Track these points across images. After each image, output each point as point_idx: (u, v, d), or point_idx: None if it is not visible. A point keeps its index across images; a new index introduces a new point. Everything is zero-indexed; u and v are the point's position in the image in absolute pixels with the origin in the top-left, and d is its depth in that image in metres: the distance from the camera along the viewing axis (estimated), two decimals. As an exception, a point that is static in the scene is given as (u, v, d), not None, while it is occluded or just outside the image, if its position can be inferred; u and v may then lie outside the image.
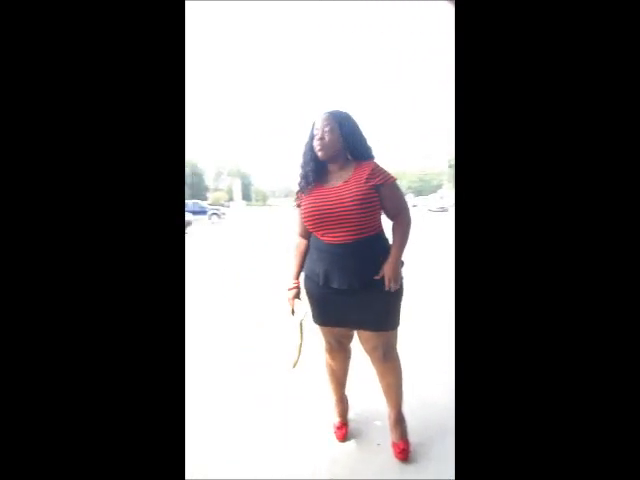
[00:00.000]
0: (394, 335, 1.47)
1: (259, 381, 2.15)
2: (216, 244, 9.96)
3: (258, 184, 75.42)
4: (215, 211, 20.84)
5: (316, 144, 1.40)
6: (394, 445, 1.53)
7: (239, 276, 5.47)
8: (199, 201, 25.06)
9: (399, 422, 1.56)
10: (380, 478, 1.40)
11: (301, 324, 1.46)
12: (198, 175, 65.94)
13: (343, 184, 1.36)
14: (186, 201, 22.83)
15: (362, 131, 1.45)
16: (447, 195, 26.04)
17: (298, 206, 1.47)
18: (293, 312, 1.48)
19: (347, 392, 1.76)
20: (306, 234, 1.50)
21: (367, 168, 1.35)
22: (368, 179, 1.33)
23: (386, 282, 1.34)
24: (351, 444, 1.60)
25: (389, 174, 1.36)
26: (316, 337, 1.62)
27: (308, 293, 1.51)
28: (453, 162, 0.84)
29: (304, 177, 1.46)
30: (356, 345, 1.56)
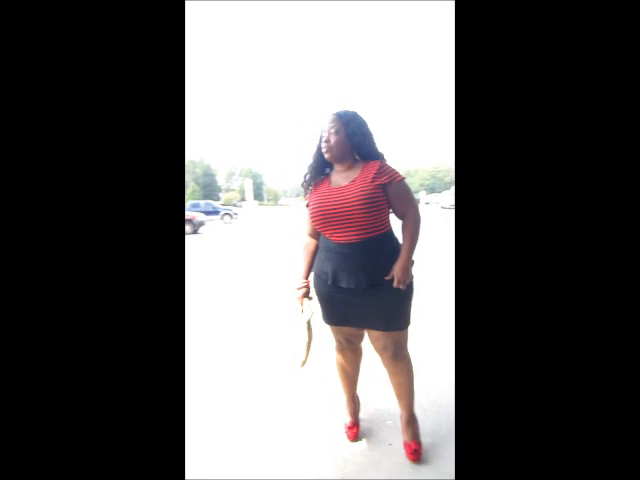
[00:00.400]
0: (404, 335, 1.46)
1: (271, 380, 2.15)
2: (229, 244, 10.03)
3: (270, 184, 75.80)
4: (227, 211, 20.99)
5: (323, 146, 1.41)
6: (406, 445, 1.52)
7: (250, 277, 5.49)
8: (212, 201, 25.30)
9: (411, 422, 1.55)
10: (391, 478, 1.39)
11: (309, 324, 1.47)
12: (211, 176, 66.58)
13: (349, 184, 1.36)
14: (199, 201, 23.06)
15: (370, 130, 1.43)
16: (460, 192, 25.68)
17: (307, 206, 1.48)
18: (303, 311, 1.49)
19: (358, 392, 1.75)
20: (315, 233, 1.50)
21: (374, 167, 1.35)
22: (374, 178, 1.32)
23: (395, 282, 1.33)
24: (362, 444, 1.60)
25: (396, 173, 1.35)
26: (327, 336, 1.62)
27: (317, 292, 1.51)
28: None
29: (306, 177, 1.50)
30: (367, 344, 1.55)
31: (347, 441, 1.61)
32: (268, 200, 65.52)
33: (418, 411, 1.64)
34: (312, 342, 1.51)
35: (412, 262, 1.38)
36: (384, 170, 1.33)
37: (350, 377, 1.67)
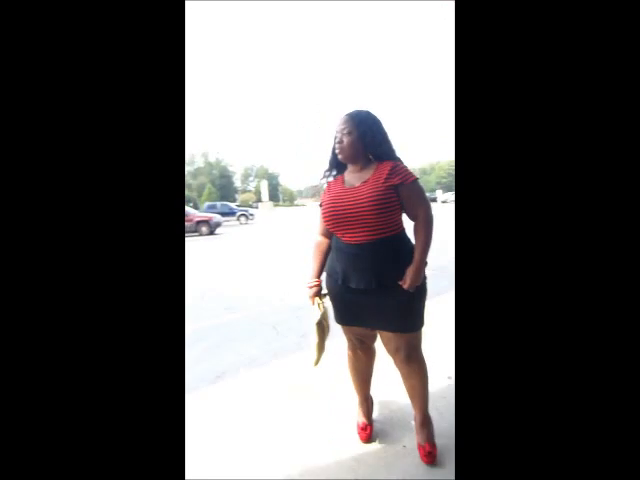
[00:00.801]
0: (417, 336, 1.43)
1: (283, 381, 2.14)
2: (244, 244, 10.11)
3: (285, 184, 76.19)
4: (244, 212, 21.17)
5: (336, 147, 1.42)
6: (420, 447, 1.48)
7: (263, 275, 5.52)
8: (228, 202, 25.59)
9: (425, 424, 1.52)
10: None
11: (318, 325, 1.47)
12: (228, 177, 67.36)
13: (361, 185, 1.35)
14: (215, 203, 23.36)
15: (384, 129, 1.41)
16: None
17: (320, 205, 1.48)
18: (319, 306, 1.49)
19: (372, 392, 1.73)
20: (327, 233, 1.50)
21: (386, 168, 1.33)
22: (386, 179, 1.31)
23: (406, 285, 1.31)
24: (376, 445, 1.57)
25: (409, 173, 1.33)
26: (342, 336, 1.60)
27: (329, 292, 1.51)
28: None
29: (325, 175, 1.52)
30: (380, 344, 1.53)
31: (360, 442, 1.58)
32: (284, 201, 65.86)
33: (434, 413, 1.61)
34: (324, 342, 1.51)
35: (425, 263, 1.35)
36: (397, 171, 1.32)
37: (363, 378, 1.65)
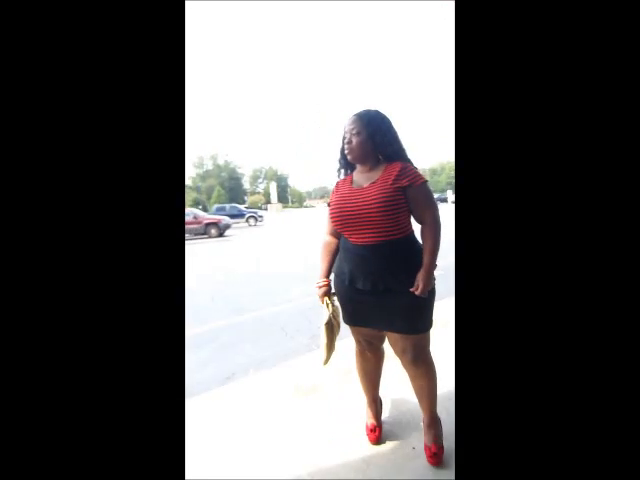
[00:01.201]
0: (424, 338, 1.42)
1: (292, 382, 2.14)
2: (253, 246, 10.14)
3: (294, 186, 76.34)
4: (253, 214, 21.24)
5: (345, 147, 1.41)
6: (426, 448, 1.47)
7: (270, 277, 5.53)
8: (237, 204, 25.72)
9: (432, 425, 1.51)
10: (415, 483, 1.35)
11: (327, 325, 1.48)
12: (236, 179, 67.74)
13: (369, 186, 1.34)
14: (224, 205, 23.50)
15: (393, 129, 1.40)
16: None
17: (328, 205, 1.48)
18: (328, 306, 1.50)
19: (381, 393, 1.72)
20: (336, 233, 1.49)
21: (395, 169, 1.32)
22: (395, 181, 1.30)
23: (419, 291, 1.30)
24: (385, 447, 1.56)
25: (418, 175, 1.31)
26: (351, 336, 1.60)
27: (337, 292, 1.51)
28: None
29: (338, 175, 1.53)
30: (390, 345, 1.52)
31: (369, 444, 1.58)
32: (293, 202, 66.00)
33: (443, 415, 1.59)
34: (333, 342, 1.52)
35: (434, 267, 1.34)
36: (405, 172, 1.31)
37: (371, 379, 1.64)
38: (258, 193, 66.16)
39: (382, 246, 1.32)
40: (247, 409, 1.88)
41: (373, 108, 1.42)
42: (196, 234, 13.68)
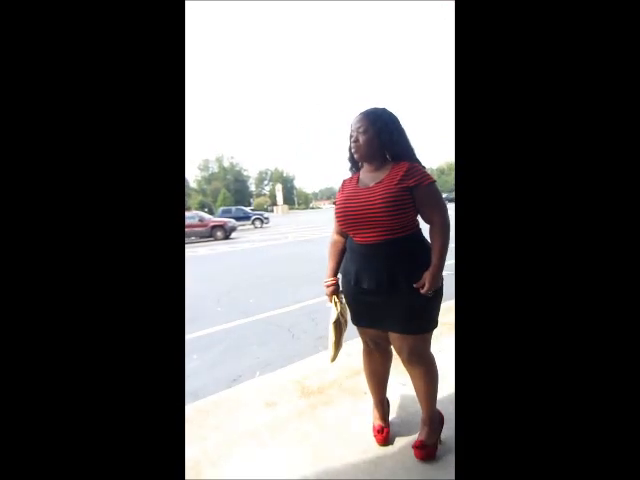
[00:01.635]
0: (422, 339, 1.41)
1: (299, 383, 2.14)
2: (258, 248, 10.17)
3: (301, 187, 76.39)
4: (258, 216, 21.31)
5: (352, 146, 1.40)
6: (415, 442, 1.49)
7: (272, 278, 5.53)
8: (243, 207, 25.80)
9: (427, 423, 1.51)
10: (423, 484, 1.34)
11: (335, 324, 1.50)
12: (242, 182, 67.99)
13: (375, 185, 1.34)
14: (230, 207, 23.59)
15: (401, 127, 1.38)
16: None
17: (334, 204, 1.48)
18: (336, 305, 1.51)
19: (389, 394, 1.71)
20: (343, 232, 1.49)
21: (402, 169, 1.31)
22: (401, 180, 1.29)
23: (424, 289, 1.29)
24: (393, 448, 1.55)
25: (425, 175, 1.30)
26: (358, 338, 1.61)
27: (344, 292, 1.52)
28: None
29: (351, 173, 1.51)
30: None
31: (377, 445, 1.57)
32: (299, 204, 66.03)
33: (446, 414, 1.60)
34: (341, 340, 1.55)
35: (442, 268, 1.33)
36: (412, 172, 1.30)
37: (378, 380, 1.63)
38: (264, 195, 66.33)
39: (386, 245, 1.31)
40: (254, 410, 1.88)
41: (380, 106, 1.40)
42: (202, 237, 13.75)
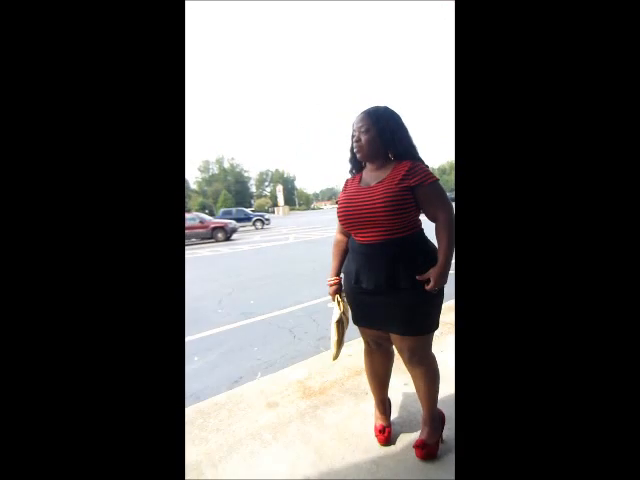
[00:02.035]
0: (422, 340, 1.40)
1: (300, 384, 2.14)
2: (260, 250, 10.17)
3: (302, 188, 76.42)
4: (259, 217, 21.30)
5: (354, 145, 1.39)
6: (416, 441, 1.49)
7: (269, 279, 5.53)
8: (243, 208, 25.80)
9: (427, 422, 1.51)
10: (425, 484, 1.34)
11: (337, 323, 1.51)
12: (243, 183, 68.05)
13: (376, 185, 1.33)
14: (231, 209, 23.59)
15: (404, 125, 1.37)
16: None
17: (336, 203, 1.48)
18: (339, 304, 1.53)
19: (391, 393, 1.71)
20: (346, 232, 1.49)
21: (403, 169, 1.30)
22: (402, 180, 1.28)
23: (429, 286, 1.29)
24: (395, 448, 1.55)
25: (428, 174, 1.29)
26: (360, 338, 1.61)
27: (345, 292, 1.52)
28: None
29: (351, 174, 1.51)
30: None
31: (378, 445, 1.57)
32: (300, 205, 66.03)
33: (447, 414, 1.59)
34: (343, 338, 1.56)
35: (449, 266, 1.33)
36: (414, 171, 1.28)
37: (380, 380, 1.63)
38: (265, 196, 66.42)
39: (385, 245, 1.31)
40: (256, 412, 1.88)
41: (381, 105, 1.39)
42: (203, 238, 13.76)
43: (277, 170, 75.63)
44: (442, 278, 1.29)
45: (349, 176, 1.52)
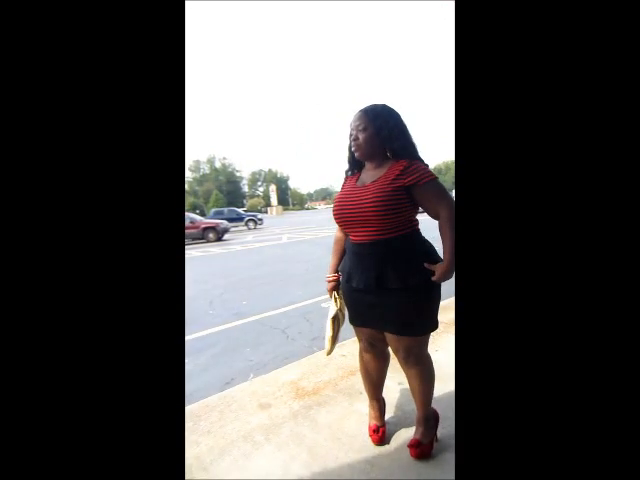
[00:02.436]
0: (418, 340, 1.39)
1: (294, 384, 2.12)
2: (252, 250, 10.13)
3: (295, 188, 76.31)
4: (252, 217, 21.18)
5: (352, 144, 1.38)
6: (410, 441, 1.48)
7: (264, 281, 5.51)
8: (235, 208, 25.65)
9: (421, 422, 1.51)
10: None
11: (333, 319, 1.52)
12: (235, 183, 67.79)
13: (370, 184, 1.31)
14: (222, 209, 23.45)
15: (403, 124, 1.35)
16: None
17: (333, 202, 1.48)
18: (336, 300, 1.54)
19: (385, 393, 1.69)
20: None
21: (397, 168, 1.28)
22: (395, 179, 1.26)
23: (434, 277, 1.29)
24: (389, 447, 1.54)
25: (424, 173, 1.26)
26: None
27: (341, 289, 1.53)
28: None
29: (346, 174, 1.50)
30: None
31: (372, 445, 1.55)
32: (293, 205, 65.89)
33: (449, 413, 1.59)
34: (338, 334, 1.58)
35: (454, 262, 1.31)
36: (409, 171, 1.26)
37: (374, 380, 1.61)
38: (257, 196, 66.15)
39: (377, 245, 1.30)
40: (248, 413, 1.85)
41: (379, 103, 1.37)
42: (194, 239, 13.64)
43: (270, 170, 75.48)
44: (447, 275, 1.28)
45: (344, 176, 1.51)
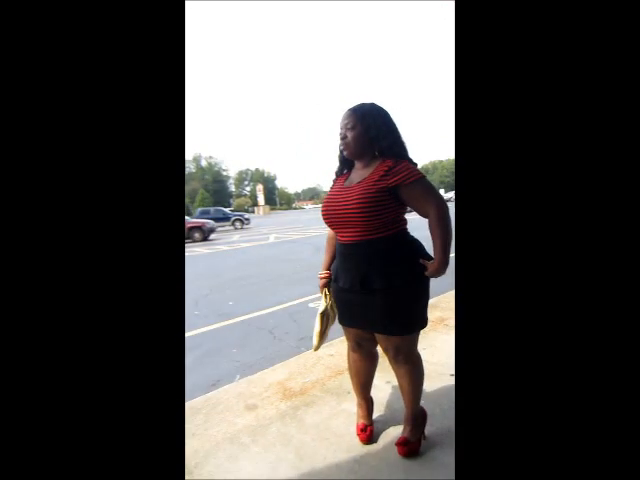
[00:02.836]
0: (407, 339, 1.39)
1: (281, 384, 2.10)
2: (238, 250, 10.06)
3: (283, 187, 76.04)
4: (239, 217, 21.01)
5: (340, 143, 1.37)
6: (399, 438, 1.48)
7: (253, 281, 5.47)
8: (222, 207, 25.41)
9: (409, 420, 1.50)
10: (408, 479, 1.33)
11: (322, 315, 1.55)
12: (221, 182, 67.21)
13: (356, 185, 1.31)
14: (209, 208, 23.20)
15: (392, 123, 1.35)
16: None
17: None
18: (326, 297, 1.56)
19: (373, 391, 1.68)
20: None
21: (384, 167, 1.27)
22: (379, 180, 1.25)
23: (427, 272, 1.30)
24: (377, 446, 1.53)
25: (410, 173, 1.24)
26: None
27: (331, 289, 1.53)
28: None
29: (336, 175, 1.50)
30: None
31: (360, 443, 1.55)
32: (281, 204, 65.60)
33: (437, 411, 1.60)
34: (326, 331, 1.59)
35: (448, 259, 1.31)
36: (393, 171, 1.25)
37: (362, 379, 1.61)
38: (244, 195, 65.64)
39: (362, 245, 1.30)
40: (234, 415, 1.83)
41: (368, 102, 1.37)
42: (180, 239, 13.45)
43: (257, 169, 75.04)
44: (438, 272, 1.28)
45: (333, 176, 1.50)
